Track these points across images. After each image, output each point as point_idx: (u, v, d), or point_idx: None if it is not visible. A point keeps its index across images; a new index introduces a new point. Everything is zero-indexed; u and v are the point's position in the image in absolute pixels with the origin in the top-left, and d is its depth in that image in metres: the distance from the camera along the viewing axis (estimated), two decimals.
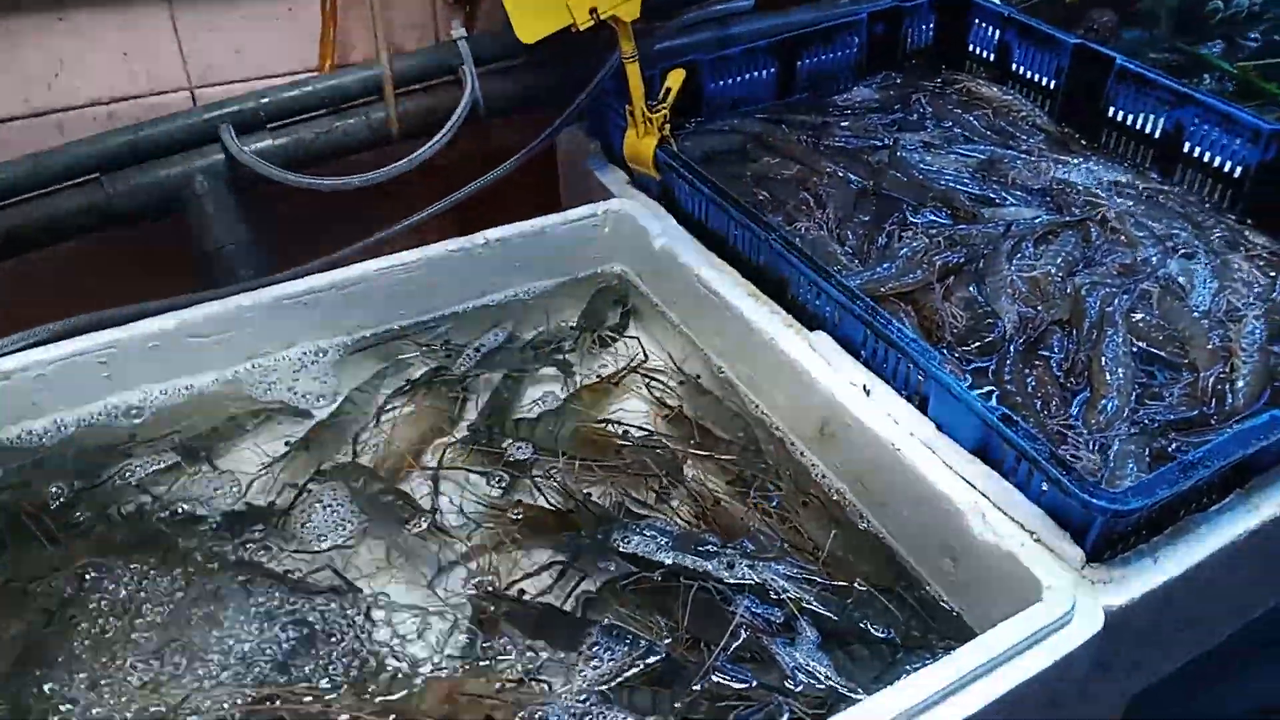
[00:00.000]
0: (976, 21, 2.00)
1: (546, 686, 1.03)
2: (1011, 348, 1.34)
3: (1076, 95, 1.82)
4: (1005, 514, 1.10)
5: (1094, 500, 1.01)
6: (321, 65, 1.70)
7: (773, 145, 1.78)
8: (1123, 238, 1.55)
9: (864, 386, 1.26)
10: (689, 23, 1.86)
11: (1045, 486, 1.08)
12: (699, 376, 1.48)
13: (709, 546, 1.17)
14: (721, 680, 1.03)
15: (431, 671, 1.06)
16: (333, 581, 1.14)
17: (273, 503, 1.26)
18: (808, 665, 1.05)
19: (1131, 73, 1.70)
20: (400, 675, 1.04)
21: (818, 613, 1.10)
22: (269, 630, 1.05)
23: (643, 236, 1.57)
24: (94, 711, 0.97)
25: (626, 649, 1.04)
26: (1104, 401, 1.26)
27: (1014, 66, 1.94)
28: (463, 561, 1.20)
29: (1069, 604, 0.98)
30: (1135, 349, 1.34)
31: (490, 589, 1.15)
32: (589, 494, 1.29)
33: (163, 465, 1.27)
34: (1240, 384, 1.28)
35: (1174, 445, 1.21)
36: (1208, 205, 1.62)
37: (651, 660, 1.03)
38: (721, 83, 1.86)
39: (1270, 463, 1.15)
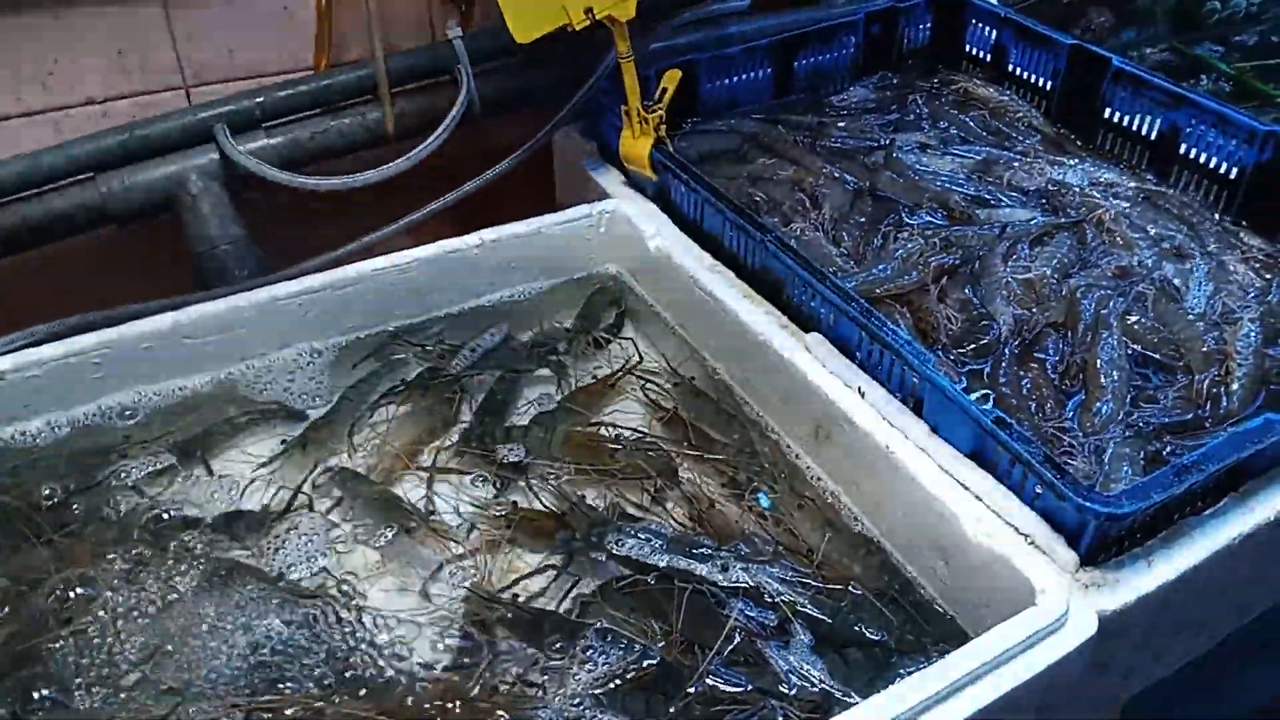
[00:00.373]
0: (973, 22, 2.00)
1: (540, 690, 1.02)
2: (1006, 350, 1.34)
3: (1073, 96, 1.82)
4: (999, 517, 1.10)
5: (1088, 504, 1.01)
6: (317, 65, 1.70)
7: (768, 146, 1.77)
8: (1118, 239, 1.55)
9: (859, 389, 1.25)
10: (685, 23, 1.86)
11: (1039, 490, 1.08)
12: (693, 378, 1.48)
13: (703, 549, 1.17)
14: (715, 684, 1.03)
15: (425, 674, 1.06)
16: (326, 583, 1.14)
17: (267, 505, 1.26)
18: (801, 668, 1.05)
19: (1128, 74, 1.70)
20: (393, 678, 1.04)
21: (812, 616, 1.11)
22: (262, 633, 1.05)
23: (638, 237, 1.56)
24: (87, 712, 0.97)
25: (621, 652, 1.04)
26: (1099, 404, 1.26)
27: (1010, 67, 1.93)
28: (457, 564, 1.19)
29: (1063, 608, 0.98)
30: (1130, 352, 1.34)
31: (484, 592, 1.15)
32: (583, 496, 1.29)
33: (158, 466, 1.27)
34: (1235, 387, 1.28)
35: (1169, 448, 1.21)
36: (1204, 207, 1.62)
37: (646, 664, 1.03)
38: (717, 83, 1.85)
39: (1265, 466, 1.15)
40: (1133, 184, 1.67)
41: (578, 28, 1.44)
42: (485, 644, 1.07)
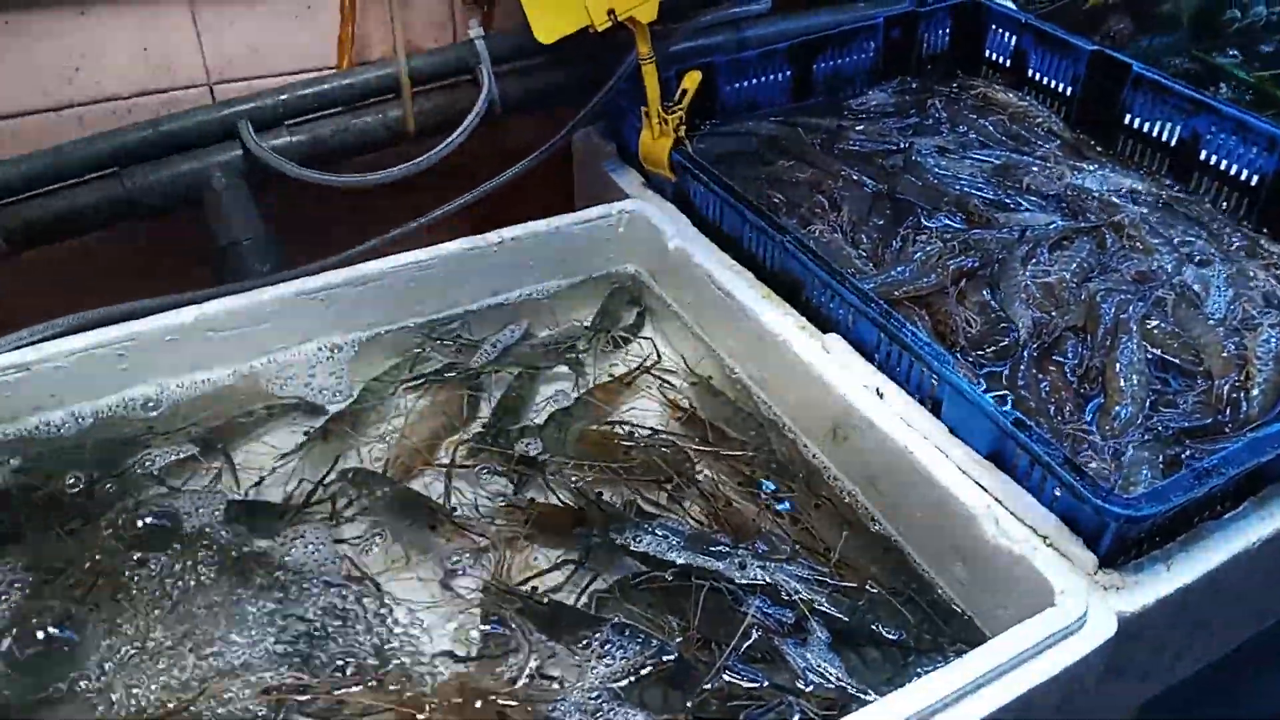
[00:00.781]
0: (993, 27, 2.00)
1: (558, 683, 1.03)
2: (1025, 353, 1.34)
3: (1093, 102, 1.82)
4: (1018, 518, 1.10)
5: (1108, 506, 1.01)
6: (339, 63, 1.71)
7: (787, 148, 1.78)
8: (1138, 244, 1.54)
9: (877, 389, 1.26)
10: (705, 25, 1.86)
11: (1058, 492, 1.08)
12: (710, 378, 1.48)
13: (720, 547, 1.17)
14: (732, 680, 1.03)
15: (444, 667, 1.06)
16: (350, 573, 1.14)
17: (289, 496, 1.27)
18: (819, 666, 1.05)
19: (1148, 80, 1.70)
20: (413, 670, 1.05)
21: (829, 614, 1.11)
22: (284, 622, 1.06)
23: (657, 237, 1.57)
24: (113, 699, 0.98)
25: (638, 647, 1.04)
26: (1118, 408, 1.26)
27: (1030, 73, 1.94)
28: (476, 558, 1.20)
29: (1081, 609, 0.98)
30: (1150, 356, 1.34)
31: (503, 585, 1.15)
32: (600, 493, 1.29)
33: (180, 456, 1.28)
34: (1255, 392, 1.28)
35: (1188, 452, 1.21)
36: (1224, 213, 1.62)
37: (663, 659, 1.04)
38: (737, 85, 1.86)
39: None
40: (1153, 190, 1.67)
41: (600, 29, 1.44)
42: (510, 633, 1.07)
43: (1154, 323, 1.39)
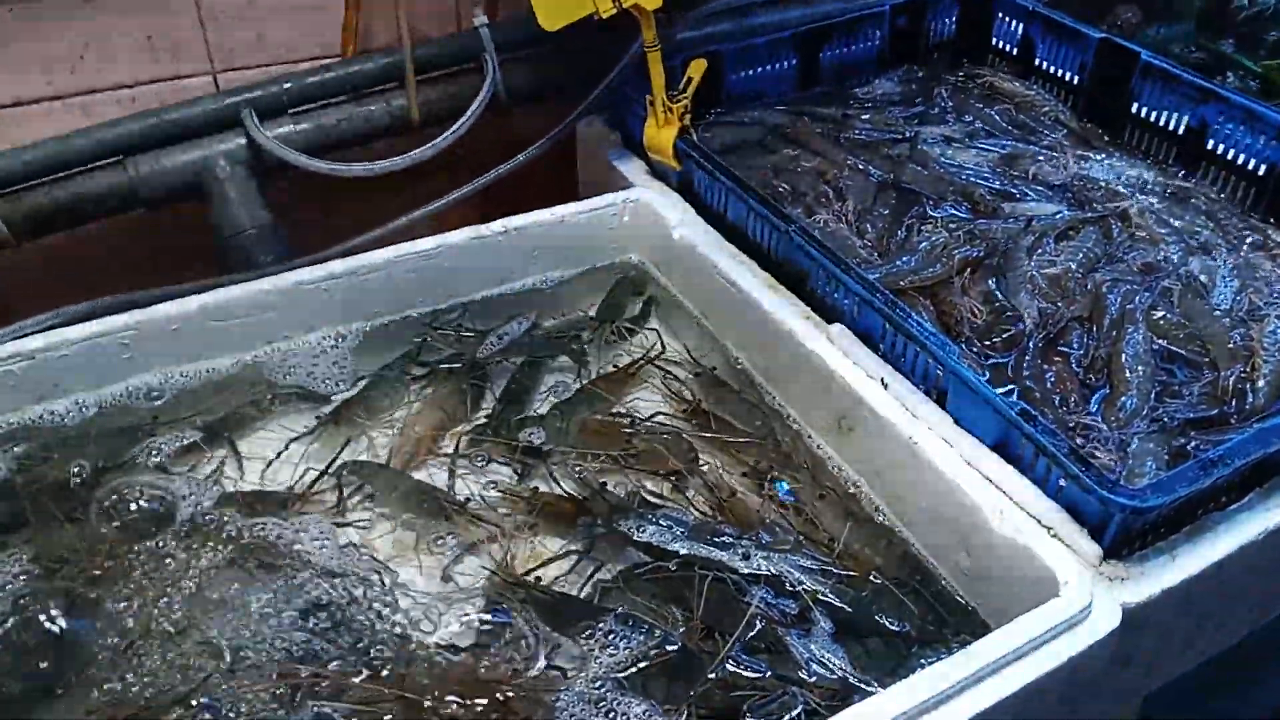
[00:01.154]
0: (1000, 15, 1.99)
1: (562, 673, 1.03)
2: (1031, 343, 1.33)
3: (1100, 91, 1.81)
4: (1023, 509, 1.10)
5: (1113, 497, 1.01)
6: (344, 51, 1.71)
7: (793, 137, 1.77)
8: (1145, 234, 1.54)
9: (882, 380, 1.25)
10: (711, 13, 1.86)
11: (1063, 482, 1.08)
12: (715, 368, 1.48)
13: (724, 537, 1.17)
14: (736, 670, 1.03)
15: (447, 656, 1.06)
16: (356, 562, 1.14)
17: (292, 486, 1.27)
18: (822, 657, 1.05)
19: (1156, 68, 1.69)
20: (416, 659, 1.05)
21: (832, 605, 1.11)
22: (289, 611, 1.06)
23: (661, 227, 1.56)
24: (119, 689, 0.98)
25: (642, 637, 1.04)
26: (1123, 399, 1.25)
27: (1037, 61, 1.93)
28: (480, 548, 1.20)
29: (1086, 600, 0.98)
30: (1156, 347, 1.34)
31: (507, 575, 1.15)
32: (604, 483, 1.29)
33: (184, 443, 1.28)
34: (1261, 383, 1.27)
35: (1193, 443, 1.20)
36: (1232, 203, 1.61)
37: (667, 648, 1.04)
38: (742, 74, 1.85)
39: None
40: (1160, 179, 1.66)
41: (605, 16, 1.44)
42: (515, 623, 1.07)
43: (1160, 313, 1.39)
